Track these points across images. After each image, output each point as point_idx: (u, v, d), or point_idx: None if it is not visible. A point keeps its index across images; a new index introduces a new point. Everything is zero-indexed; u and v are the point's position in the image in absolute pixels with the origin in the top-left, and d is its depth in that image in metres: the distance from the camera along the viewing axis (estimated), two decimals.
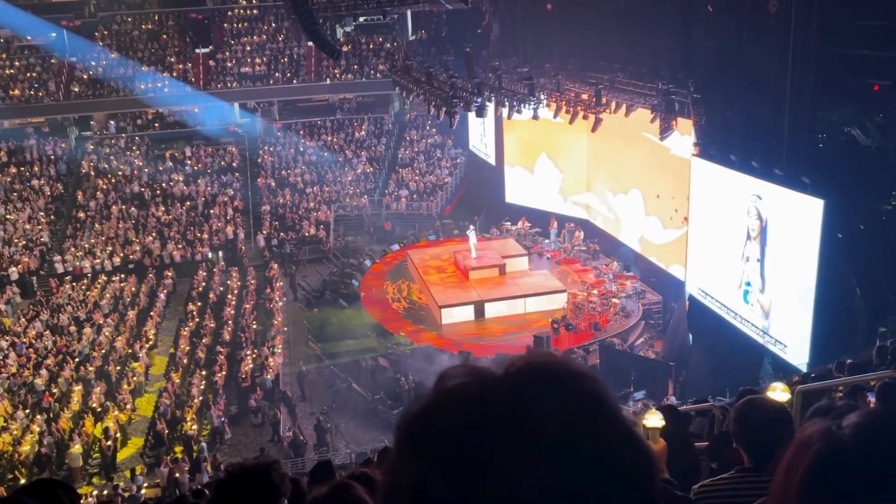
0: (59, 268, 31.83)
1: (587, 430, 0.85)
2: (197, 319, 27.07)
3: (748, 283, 18.56)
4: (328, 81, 41.29)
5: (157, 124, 40.61)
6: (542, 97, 23.33)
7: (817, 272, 15.52)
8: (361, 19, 23.62)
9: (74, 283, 30.62)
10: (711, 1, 19.19)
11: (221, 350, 24.55)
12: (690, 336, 21.76)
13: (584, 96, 22.97)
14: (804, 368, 15.22)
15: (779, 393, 3.62)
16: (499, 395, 0.88)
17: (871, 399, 6.37)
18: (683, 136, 20.91)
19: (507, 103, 23.41)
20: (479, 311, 24.94)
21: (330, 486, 2.32)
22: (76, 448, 19.87)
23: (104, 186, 36.66)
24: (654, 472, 0.90)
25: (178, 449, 20.17)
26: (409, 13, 38.45)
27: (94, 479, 19.89)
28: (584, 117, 23.13)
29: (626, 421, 0.89)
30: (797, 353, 16.47)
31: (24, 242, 32.86)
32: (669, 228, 23.91)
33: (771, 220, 17.42)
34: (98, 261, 32.17)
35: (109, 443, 20.16)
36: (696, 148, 20.29)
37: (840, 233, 15.62)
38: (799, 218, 16.07)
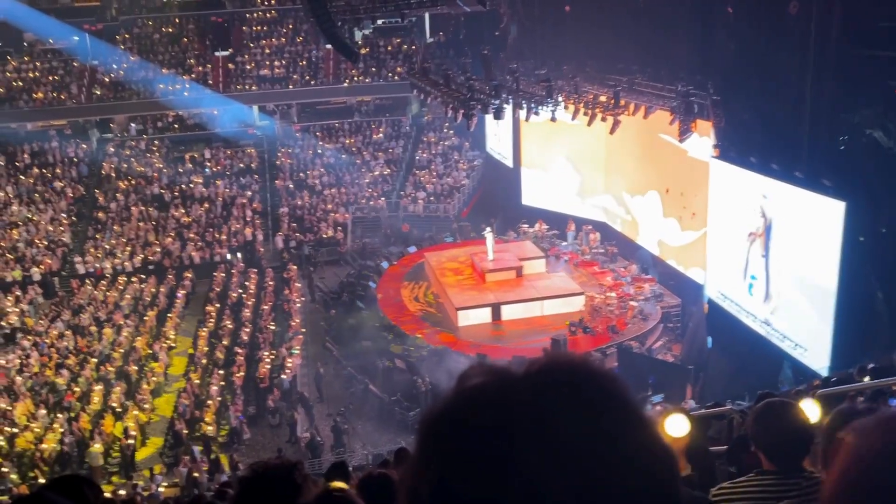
0: (80, 268, 32.18)
1: (609, 429, 0.85)
2: (215, 320, 27.28)
3: (753, 277, 18.55)
4: (346, 84, 41.45)
5: (176, 126, 40.99)
6: (559, 99, 23.27)
7: (838, 275, 15.40)
8: (379, 22, 23.70)
9: (95, 284, 30.95)
10: (731, 2, 19.10)
11: (240, 351, 24.71)
12: (710, 339, 21.64)
13: (603, 98, 22.89)
14: (825, 373, 15.08)
15: (810, 405, 3.53)
16: (521, 395, 0.88)
17: (894, 404, 6.32)
18: (702, 138, 20.81)
19: (524, 105, 23.36)
20: (496, 314, 24.91)
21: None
22: (97, 447, 20.08)
23: (124, 188, 37.05)
24: (676, 471, 0.90)
25: (198, 448, 20.31)
26: (426, 16, 38.59)
27: (114, 478, 20.09)
28: (603, 119, 23.06)
29: (647, 420, 0.89)
30: (818, 356, 16.33)
31: (46, 243, 33.27)
32: (688, 230, 23.78)
33: (782, 220, 17.34)
34: (118, 261, 32.50)
35: (129, 442, 20.37)
36: (716, 150, 20.19)
37: (862, 236, 15.48)
38: (820, 220, 15.95)
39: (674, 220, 24.61)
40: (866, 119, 16.46)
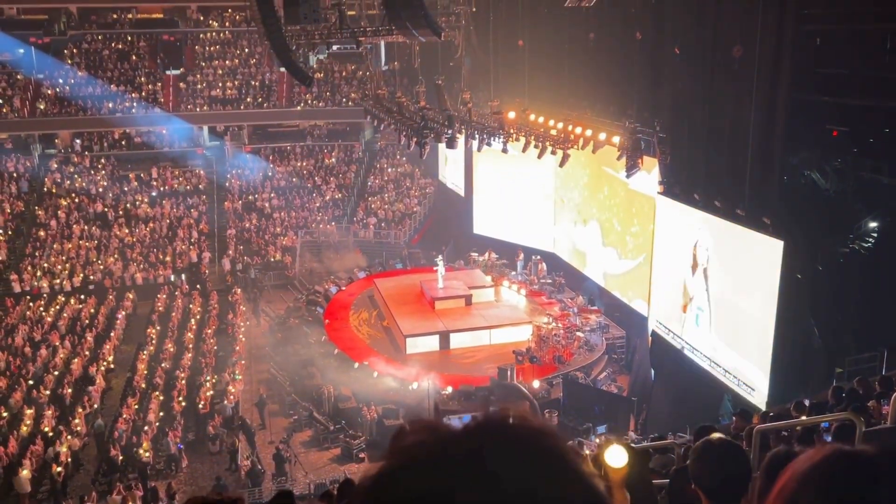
0: (16, 287, 31.09)
1: (551, 488, 0.86)
2: (156, 343, 26.58)
3: (700, 308, 18.93)
4: (299, 107, 41.29)
5: (123, 144, 40.18)
6: (511, 131, 23.56)
7: (776, 312, 15.80)
8: (335, 48, 23.69)
9: (31, 303, 29.92)
10: (678, 43, 19.66)
11: (181, 375, 24.09)
12: (652, 372, 21.94)
13: (553, 132, 23.25)
14: (763, 406, 15.41)
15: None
16: (459, 455, 0.87)
17: (829, 441, 6.47)
18: (648, 173, 21.28)
19: (477, 136, 23.60)
20: (445, 342, 24.86)
21: None
22: (25, 473, 19.24)
23: (66, 205, 36.06)
24: None
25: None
26: (382, 43, 38.74)
27: None
28: (553, 152, 23.41)
29: (587, 477, 0.90)
30: (757, 390, 16.68)
31: None
32: (625, 259, 24.38)
33: (725, 256, 17.77)
34: (57, 281, 31.52)
35: (60, 469, 19.58)
36: (661, 186, 20.64)
37: (799, 274, 15.94)
38: (760, 258, 16.39)
39: (612, 248, 25.15)
40: (805, 161, 17.08)
